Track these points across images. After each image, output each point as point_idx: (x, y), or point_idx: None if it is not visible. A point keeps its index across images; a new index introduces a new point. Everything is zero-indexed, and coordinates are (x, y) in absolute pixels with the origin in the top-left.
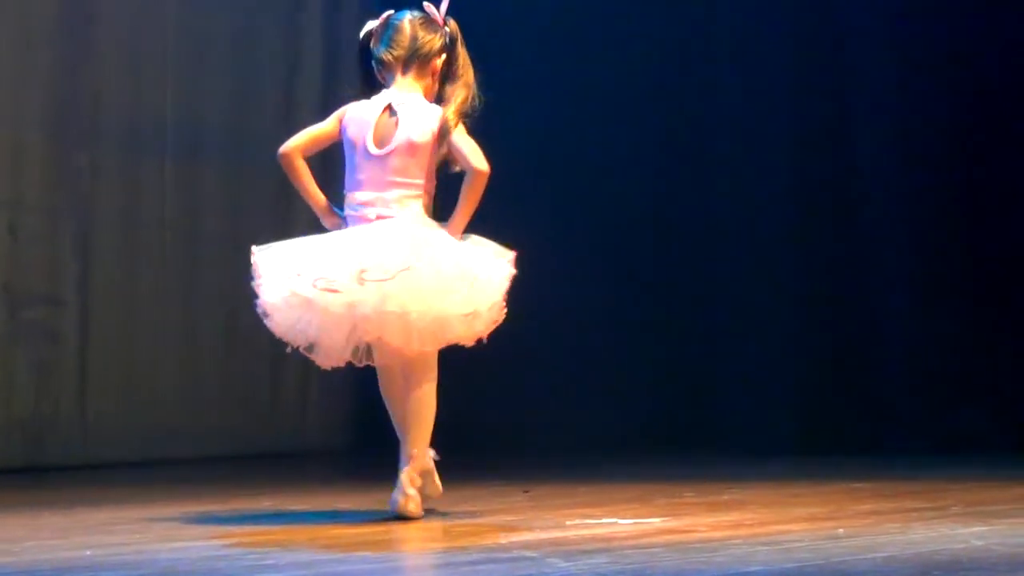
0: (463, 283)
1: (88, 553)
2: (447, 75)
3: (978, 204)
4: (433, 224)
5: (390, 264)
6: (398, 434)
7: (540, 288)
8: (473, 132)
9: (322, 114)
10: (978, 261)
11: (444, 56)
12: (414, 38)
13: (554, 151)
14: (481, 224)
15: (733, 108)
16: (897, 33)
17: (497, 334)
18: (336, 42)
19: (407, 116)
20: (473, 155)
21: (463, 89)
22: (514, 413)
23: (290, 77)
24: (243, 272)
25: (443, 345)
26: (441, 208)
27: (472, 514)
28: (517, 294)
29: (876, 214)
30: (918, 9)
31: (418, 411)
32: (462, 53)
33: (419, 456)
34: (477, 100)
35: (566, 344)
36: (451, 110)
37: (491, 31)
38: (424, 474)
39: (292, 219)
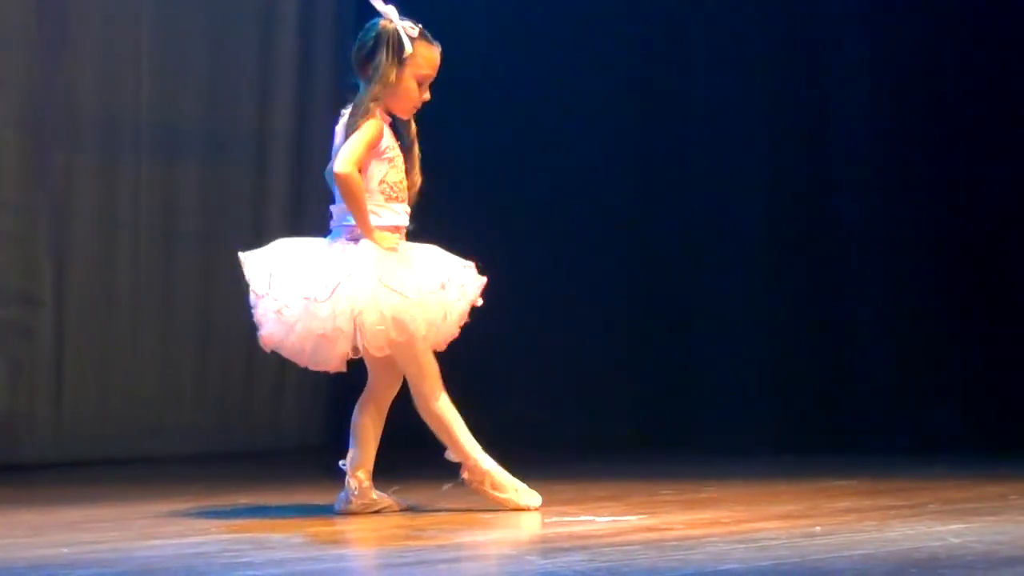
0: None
1: (64, 551)
2: (371, 77)
3: (951, 208)
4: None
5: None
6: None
7: (518, 289)
8: (454, 134)
9: (297, 114)
10: (950, 265)
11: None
12: (356, 40)
13: (534, 156)
14: (461, 227)
15: (710, 115)
16: (873, 44)
17: (474, 334)
18: (311, 41)
19: (338, 126)
20: (337, 158)
21: (367, 91)
22: (493, 412)
23: (265, 77)
24: (219, 271)
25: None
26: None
27: (450, 511)
28: (495, 295)
29: (851, 219)
30: (893, 18)
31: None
32: (381, 55)
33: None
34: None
35: (543, 344)
36: (350, 113)
37: (470, 34)
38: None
39: (266, 217)
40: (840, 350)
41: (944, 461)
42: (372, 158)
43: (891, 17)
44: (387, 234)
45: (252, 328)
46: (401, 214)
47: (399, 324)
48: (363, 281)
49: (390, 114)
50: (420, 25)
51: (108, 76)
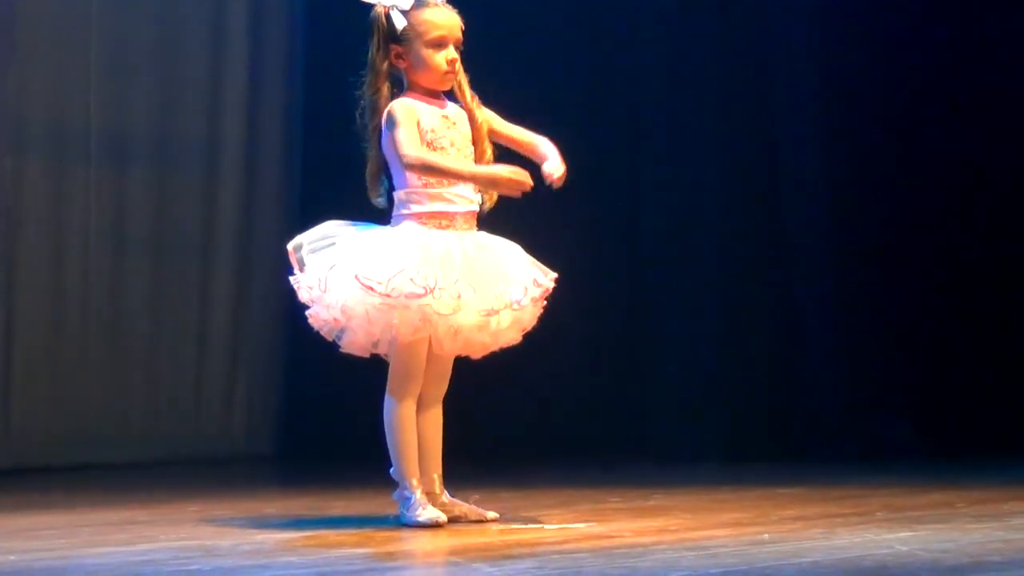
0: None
1: (12, 558)
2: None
3: (900, 219)
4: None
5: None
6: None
7: None
8: None
9: (246, 121)
10: (898, 277)
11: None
12: None
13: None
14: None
15: (662, 119)
16: (823, 60)
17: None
18: (260, 48)
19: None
20: (397, 159)
21: (367, 86)
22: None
23: (214, 85)
24: (168, 278)
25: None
26: None
27: (395, 519)
28: None
29: (800, 230)
30: (843, 38)
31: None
32: (371, 45)
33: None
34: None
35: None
36: (370, 117)
37: None
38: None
39: (216, 223)
40: (788, 359)
41: (892, 469)
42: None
43: (841, 34)
44: (504, 169)
45: (201, 335)
46: (453, 199)
47: (372, 322)
48: (344, 275)
49: (432, 92)
50: None
51: (56, 83)
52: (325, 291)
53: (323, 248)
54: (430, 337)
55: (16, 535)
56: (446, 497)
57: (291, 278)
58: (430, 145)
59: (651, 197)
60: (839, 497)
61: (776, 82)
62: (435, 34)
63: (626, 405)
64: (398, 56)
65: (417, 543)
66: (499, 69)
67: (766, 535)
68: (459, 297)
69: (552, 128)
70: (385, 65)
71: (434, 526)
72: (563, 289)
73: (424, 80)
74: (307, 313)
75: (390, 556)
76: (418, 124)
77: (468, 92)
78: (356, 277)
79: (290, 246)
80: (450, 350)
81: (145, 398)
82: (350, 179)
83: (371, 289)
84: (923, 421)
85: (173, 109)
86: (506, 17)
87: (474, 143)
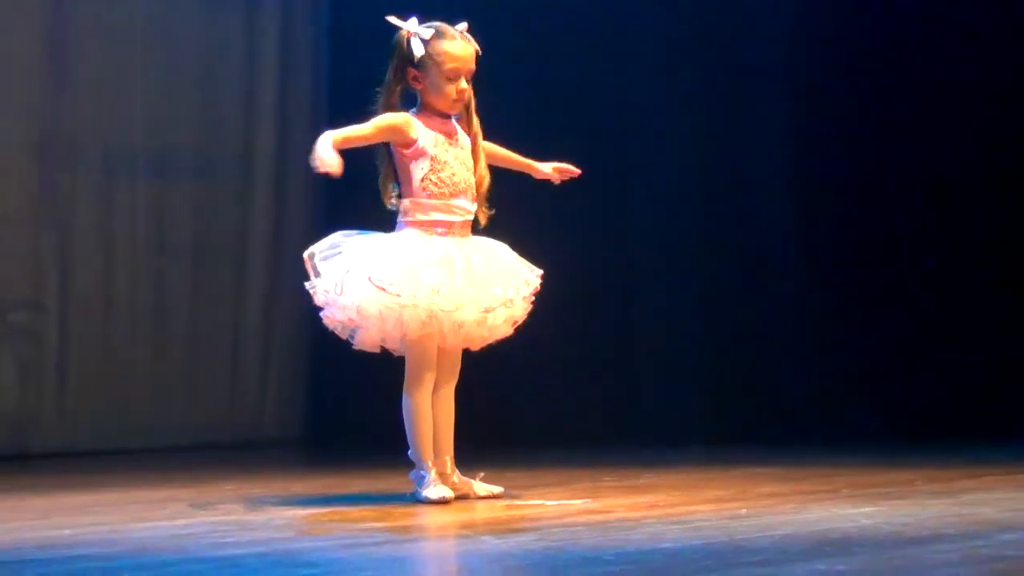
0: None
1: (67, 532)
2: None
3: (865, 215)
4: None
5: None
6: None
7: None
8: None
9: (277, 137)
10: (861, 283)
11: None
12: None
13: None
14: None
15: (650, 128)
16: (792, 77)
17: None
18: (288, 71)
19: None
20: None
21: (379, 100)
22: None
23: (247, 106)
24: (207, 280)
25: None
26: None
27: (411, 496)
28: None
29: (774, 235)
30: (811, 54)
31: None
32: (389, 66)
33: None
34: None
35: (502, 351)
36: None
37: None
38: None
39: (250, 230)
40: (764, 353)
41: (856, 451)
42: (409, 159)
43: (813, 57)
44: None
45: (236, 331)
46: (452, 211)
47: (385, 320)
48: (358, 278)
49: (440, 112)
50: (444, 24)
51: (107, 106)
52: (341, 293)
53: (333, 256)
54: (438, 333)
55: (71, 511)
56: (457, 477)
57: (306, 284)
58: (431, 157)
59: (639, 205)
60: (809, 476)
61: (748, 94)
62: (450, 66)
63: (619, 395)
64: (415, 79)
65: (430, 518)
66: (499, 93)
67: (744, 510)
68: (461, 295)
69: (552, 140)
70: (399, 86)
71: (441, 503)
72: (562, 289)
73: (436, 104)
74: (322, 315)
75: (406, 530)
76: (415, 148)
77: (475, 120)
78: (369, 279)
79: (305, 254)
80: (453, 344)
81: (185, 388)
82: (369, 189)
83: (383, 290)
84: (884, 408)
85: (210, 128)
86: (501, 42)
87: (473, 160)
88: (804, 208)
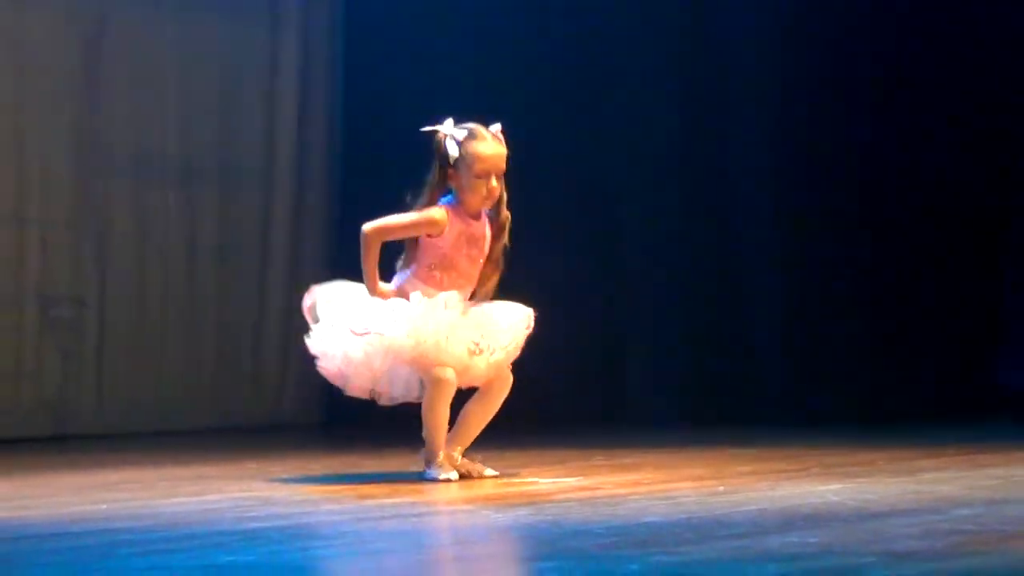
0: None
1: (103, 507)
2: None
3: (835, 226)
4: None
5: None
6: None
7: None
8: None
9: (296, 149)
10: (830, 280)
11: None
12: None
13: None
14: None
15: (635, 140)
16: (767, 64)
17: None
18: (307, 88)
19: None
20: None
21: (420, 196)
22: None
23: (268, 120)
24: (231, 279)
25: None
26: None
27: (419, 475)
28: None
29: (752, 235)
30: (791, 82)
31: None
32: (433, 166)
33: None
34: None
35: None
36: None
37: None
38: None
39: (271, 233)
40: (741, 344)
41: (825, 433)
42: (428, 242)
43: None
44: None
45: (259, 323)
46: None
47: (371, 359)
48: (340, 331)
49: (471, 208)
50: (481, 126)
51: (140, 120)
52: (327, 348)
53: (325, 309)
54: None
55: (107, 487)
56: (459, 458)
57: (305, 337)
58: (446, 257)
59: (628, 209)
60: (782, 456)
61: (729, 90)
62: (480, 167)
63: (608, 382)
64: (450, 177)
65: (436, 494)
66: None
67: (722, 487)
68: (447, 327)
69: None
70: (441, 185)
71: (447, 481)
72: (560, 288)
73: (468, 200)
74: (317, 365)
75: (413, 505)
76: (435, 236)
77: (503, 213)
78: (351, 331)
79: (305, 305)
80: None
81: (213, 375)
82: (380, 198)
83: (365, 334)
84: (851, 393)
85: (234, 139)
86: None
87: (490, 249)
88: (778, 218)
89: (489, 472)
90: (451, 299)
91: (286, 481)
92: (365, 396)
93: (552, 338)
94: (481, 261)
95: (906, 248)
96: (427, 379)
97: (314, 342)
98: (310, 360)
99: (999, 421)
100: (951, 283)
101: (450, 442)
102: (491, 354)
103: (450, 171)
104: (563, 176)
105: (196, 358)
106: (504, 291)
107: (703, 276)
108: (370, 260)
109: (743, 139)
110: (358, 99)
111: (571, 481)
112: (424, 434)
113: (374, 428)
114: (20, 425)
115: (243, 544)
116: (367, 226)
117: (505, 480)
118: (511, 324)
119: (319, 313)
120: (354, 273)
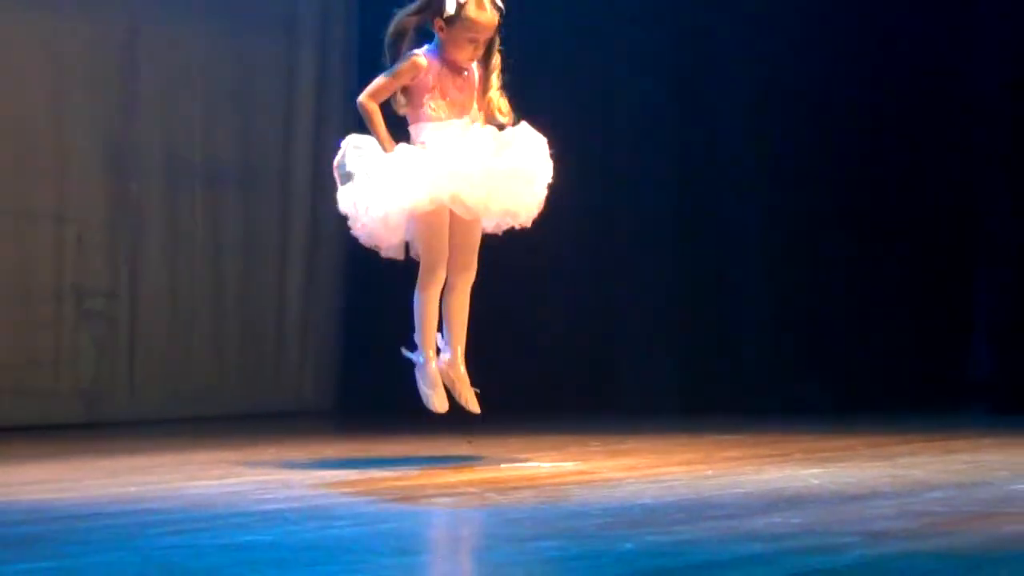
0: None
1: (132, 489)
2: None
3: (814, 226)
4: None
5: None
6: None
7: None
8: None
9: (313, 152)
10: (811, 276)
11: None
12: None
13: None
14: None
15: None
16: (756, 68)
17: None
18: (323, 93)
19: None
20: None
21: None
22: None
23: (286, 124)
24: (254, 273)
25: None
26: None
27: (427, 459)
28: None
29: (739, 233)
30: (775, 46)
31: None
32: (416, 4)
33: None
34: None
35: (502, 327)
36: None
37: None
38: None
39: (290, 230)
40: (729, 336)
41: (807, 420)
42: (417, 90)
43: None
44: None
45: (279, 318)
46: (447, 130)
47: (382, 222)
48: (359, 184)
49: (453, 59)
50: None
51: (169, 125)
52: (350, 206)
53: (348, 170)
54: (450, 219)
55: (136, 471)
56: (462, 369)
57: (337, 196)
58: (434, 90)
59: (622, 203)
60: (766, 442)
61: (716, 91)
62: (472, 32)
63: (603, 371)
64: (439, 28)
65: (442, 478)
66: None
67: (710, 471)
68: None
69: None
70: (415, 25)
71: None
72: (558, 284)
73: (452, 54)
74: (351, 229)
75: (421, 488)
76: (420, 78)
77: (495, 58)
78: (367, 179)
79: (334, 163)
80: (462, 213)
81: (236, 365)
82: None
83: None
84: (831, 384)
85: (256, 141)
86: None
87: (481, 88)
88: (763, 219)
89: (473, 408)
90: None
91: (302, 465)
92: (400, 256)
93: (550, 331)
94: (473, 105)
95: (884, 250)
96: (420, 267)
97: (341, 200)
98: (326, 351)
99: (968, 411)
100: (926, 283)
101: (452, 343)
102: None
103: (438, 21)
104: (558, 166)
105: (221, 350)
106: (499, 280)
107: (692, 274)
108: (375, 124)
109: (731, 140)
110: None
111: (570, 466)
112: (415, 335)
113: (385, 415)
114: (57, 412)
115: (262, 524)
116: (360, 97)
117: (507, 464)
118: (530, 152)
119: (346, 166)
120: (365, 267)
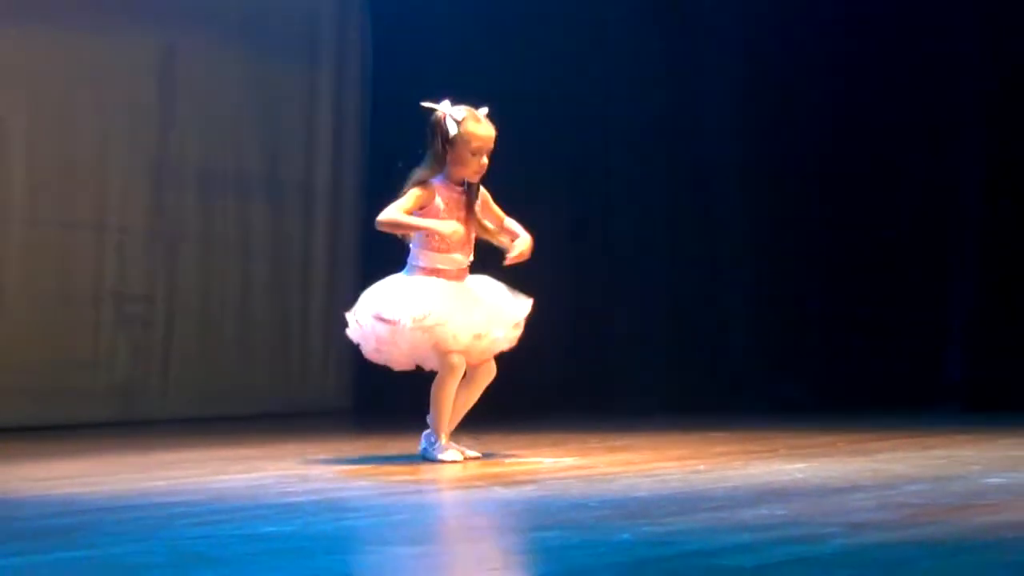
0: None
1: (161, 483)
2: (424, 159)
3: (802, 228)
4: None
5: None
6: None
7: None
8: None
9: (334, 168)
10: (796, 279)
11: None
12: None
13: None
14: None
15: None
16: (743, 73)
17: None
18: (341, 113)
19: None
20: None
21: (419, 169)
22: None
23: (309, 138)
24: (281, 279)
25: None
26: None
27: (422, 455)
28: None
29: (728, 238)
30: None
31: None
32: (435, 143)
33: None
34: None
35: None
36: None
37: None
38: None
39: (312, 239)
40: (717, 338)
41: (791, 418)
42: (426, 215)
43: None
44: (446, 223)
45: (303, 321)
46: (447, 263)
47: (393, 346)
48: (364, 314)
49: (458, 180)
50: (473, 108)
51: (205, 140)
52: (360, 337)
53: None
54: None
55: (164, 466)
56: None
57: (347, 332)
58: (448, 212)
59: (618, 211)
60: (754, 439)
61: (705, 95)
62: (476, 144)
63: (601, 372)
64: (446, 152)
65: (450, 472)
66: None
67: (702, 466)
68: (450, 317)
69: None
70: (438, 160)
71: (451, 463)
72: (556, 286)
73: (459, 173)
74: (363, 352)
75: (432, 482)
76: (433, 201)
77: (481, 188)
78: (376, 317)
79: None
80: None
81: (263, 367)
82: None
83: (384, 320)
84: (814, 384)
85: (282, 158)
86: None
87: (468, 214)
88: (752, 223)
89: (471, 454)
90: (461, 288)
91: (321, 461)
92: (411, 368)
93: (550, 334)
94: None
95: (865, 257)
96: (440, 362)
97: (351, 332)
98: (345, 353)
99: (944, 410)
100: (903, 290)
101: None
102: (491, 342)
103: (446, 147)
104: (550, 167)
105: (249, 353)
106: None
107: (683, 280)
108: (402, 223)
109: (719, 144)
110: (386, 121)
111: (569, 461)
112: (429, 417)
113: (399, 415)
114: (93, 411)
115: (283, 516)
116: (380, 217)
117: (511, 460)
118: (513, 315)
119: (356, 308)
120: (382, 272)
